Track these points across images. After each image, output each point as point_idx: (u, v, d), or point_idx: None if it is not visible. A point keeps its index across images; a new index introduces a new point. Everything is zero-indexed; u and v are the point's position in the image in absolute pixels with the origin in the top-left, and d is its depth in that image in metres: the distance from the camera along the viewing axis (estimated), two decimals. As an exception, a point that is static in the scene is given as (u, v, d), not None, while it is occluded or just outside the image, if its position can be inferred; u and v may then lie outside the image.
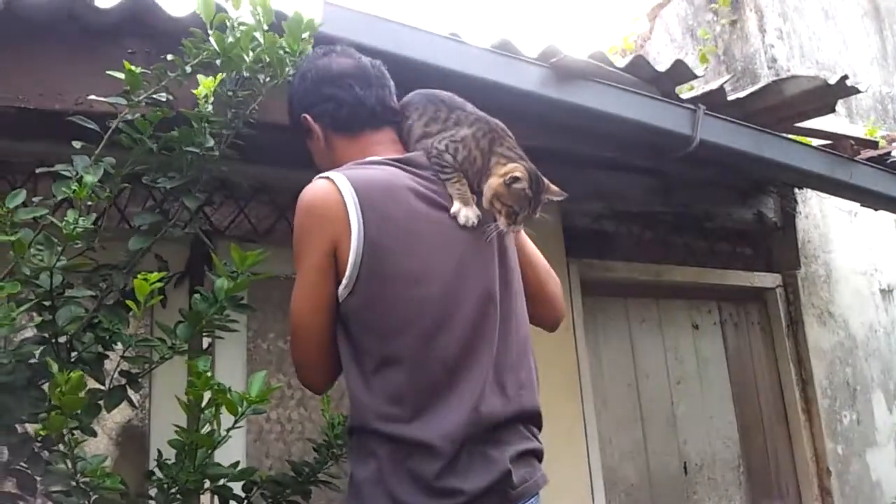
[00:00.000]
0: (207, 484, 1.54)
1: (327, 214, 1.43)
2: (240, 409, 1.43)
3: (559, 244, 3.08)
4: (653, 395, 3.35)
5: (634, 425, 3.26)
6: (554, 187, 1.56)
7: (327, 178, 1.47)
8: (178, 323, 1.59)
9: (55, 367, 1.30)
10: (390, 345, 1.39)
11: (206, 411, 1.33)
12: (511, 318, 1.52)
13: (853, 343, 4.14)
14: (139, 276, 1.45)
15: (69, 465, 1.27)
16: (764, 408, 3.71)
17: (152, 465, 1.58)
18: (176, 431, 1.43)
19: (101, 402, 1.48)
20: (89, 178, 1.40)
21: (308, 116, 1.65)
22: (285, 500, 1.67)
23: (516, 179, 1.49)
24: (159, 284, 1.48)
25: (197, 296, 1.59)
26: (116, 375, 1.54)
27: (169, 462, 1.46)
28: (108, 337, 1.46)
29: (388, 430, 1.35)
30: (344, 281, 1.41)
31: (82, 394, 1.31)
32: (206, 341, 1.94)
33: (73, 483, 1.28)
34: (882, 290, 4.43)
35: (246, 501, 1.63)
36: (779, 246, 3.95)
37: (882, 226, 4.38)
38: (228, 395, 1.44)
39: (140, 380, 1.57)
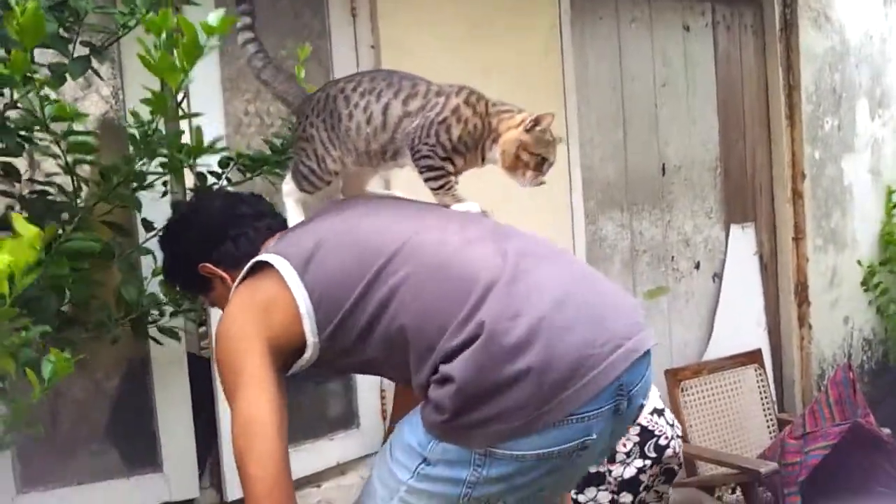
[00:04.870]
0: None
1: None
2: (202, 42, 1.34)
3: (549, -66, 2.89)
4: (637, 97, 3.32)
5: (616, 127, 3.27)
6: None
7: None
8: (138, -5, 1.50)
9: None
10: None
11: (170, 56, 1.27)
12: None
13: (846, 49, 4.05)
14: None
15: (38, 110, 1.26)
16: (747, 112, 3.72)
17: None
18: (145, 87, 1.39)
19: (66, 74, 1.45)
20: None
21: (208, 264, 1.51)
22: (264, 174, 1.70)
23: (537, 121, 1.41)
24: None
25: (156, -37, 1.49)
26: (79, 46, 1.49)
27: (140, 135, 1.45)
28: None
29: None
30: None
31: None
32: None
33: (44, 128, 1.28)
34: (884, -6, 4.25)
35: (224, 176, 1.66)
36: (783, -59, 3.72)
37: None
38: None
39: (104, 51, 1.52)
